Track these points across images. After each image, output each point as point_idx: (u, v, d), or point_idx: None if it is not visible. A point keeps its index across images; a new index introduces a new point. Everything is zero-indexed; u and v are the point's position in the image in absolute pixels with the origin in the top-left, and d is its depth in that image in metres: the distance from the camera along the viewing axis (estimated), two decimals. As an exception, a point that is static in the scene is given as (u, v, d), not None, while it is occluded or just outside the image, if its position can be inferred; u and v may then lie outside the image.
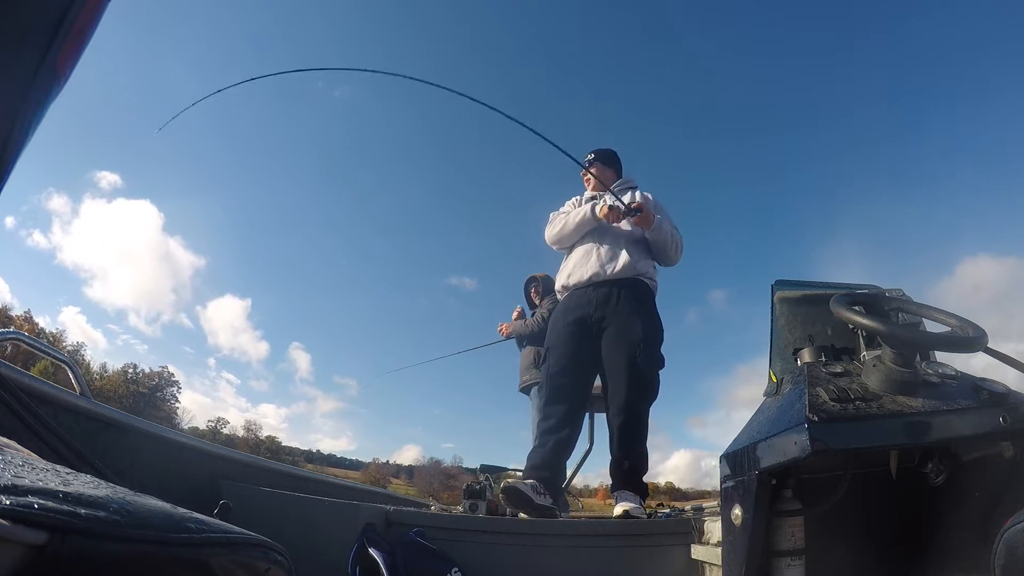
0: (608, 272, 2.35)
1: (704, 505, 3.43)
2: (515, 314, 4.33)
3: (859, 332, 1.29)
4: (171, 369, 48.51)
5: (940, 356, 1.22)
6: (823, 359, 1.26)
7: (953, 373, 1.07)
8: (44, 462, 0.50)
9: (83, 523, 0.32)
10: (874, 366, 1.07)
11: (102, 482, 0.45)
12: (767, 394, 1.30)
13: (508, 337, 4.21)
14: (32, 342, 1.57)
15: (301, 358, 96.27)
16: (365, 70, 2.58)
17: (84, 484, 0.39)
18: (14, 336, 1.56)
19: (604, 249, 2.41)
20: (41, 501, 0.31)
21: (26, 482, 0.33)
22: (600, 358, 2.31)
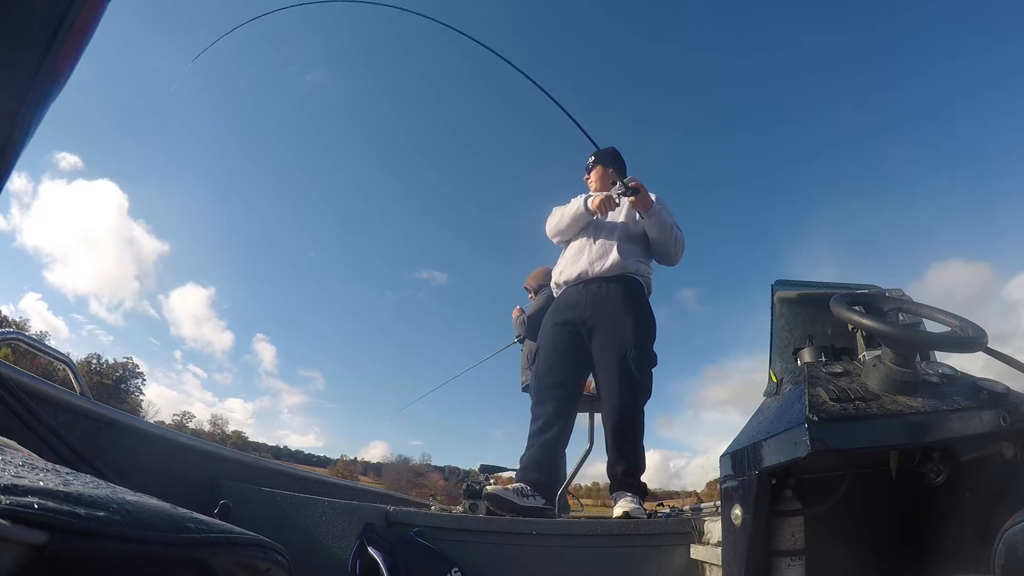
0: (596, 270, 2.32)
1: (703, 505, 3.43)
2: (515, 314, 4.34)
3: (859, 332, 1.29)
4: (136, 360, 47.18)
5: (940, 356, 1.22)
6: (823, 359, 1.26)
7: (953, 373, 1.07)
8: (44, 462, 0.50)
9: (83, 523, 0.32)
10: (874, 366, 1.07)
11: (102, 482, 0.45)
12: (767, 394, 1.30)
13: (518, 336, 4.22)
14: (32, 342, 1.56)
15: (266, 350, 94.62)
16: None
17: (84, 484, 0.39)
18: (14, 336, 1.56)
19: (595, 247, 2.38)
20: (41, 501, 0.31)
21: (26, 482, 0.33)
22: (591, 358, 2.28)
